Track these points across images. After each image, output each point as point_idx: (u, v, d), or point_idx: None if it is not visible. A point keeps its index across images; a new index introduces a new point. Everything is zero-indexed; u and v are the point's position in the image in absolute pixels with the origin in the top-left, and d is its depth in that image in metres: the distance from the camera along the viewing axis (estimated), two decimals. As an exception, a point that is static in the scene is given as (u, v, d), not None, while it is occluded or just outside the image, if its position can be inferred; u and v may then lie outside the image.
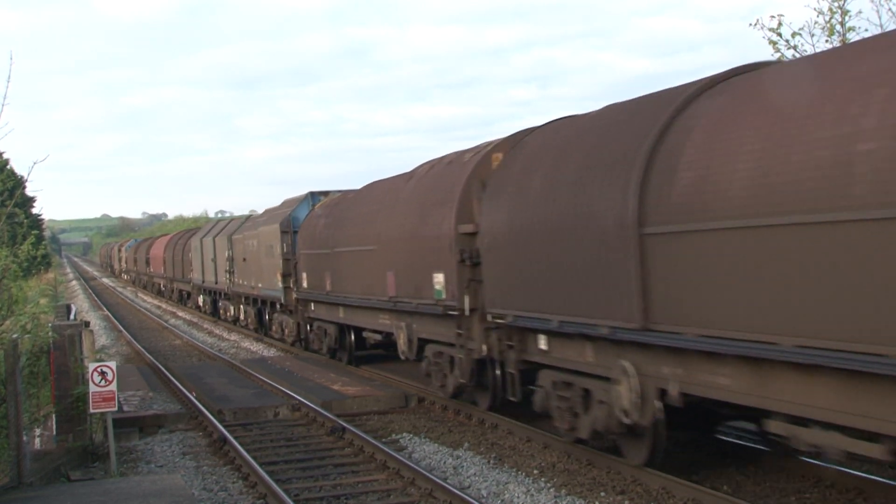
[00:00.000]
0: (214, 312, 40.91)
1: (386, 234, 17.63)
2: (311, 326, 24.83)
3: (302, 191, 27.25)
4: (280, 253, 25.88)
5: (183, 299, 51.43)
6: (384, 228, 17.83)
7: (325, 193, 25.75)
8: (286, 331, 27.25)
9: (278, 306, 27.62)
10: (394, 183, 19.09)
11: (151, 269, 64.53)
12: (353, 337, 22.11)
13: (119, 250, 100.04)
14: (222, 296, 37.90)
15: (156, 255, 61.03)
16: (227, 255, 34.52)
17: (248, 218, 34.87)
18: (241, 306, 33.93)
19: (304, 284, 23.89)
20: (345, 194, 23.52)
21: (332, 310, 22.14)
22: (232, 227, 35.41)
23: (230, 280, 34.36)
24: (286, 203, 28.39)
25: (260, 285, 29.01)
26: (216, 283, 37.83)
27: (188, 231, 55.30)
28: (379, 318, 18.77)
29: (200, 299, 44.09)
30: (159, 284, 61.30)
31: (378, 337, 19.76)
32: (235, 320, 35.58)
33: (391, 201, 18.03)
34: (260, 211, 40.34)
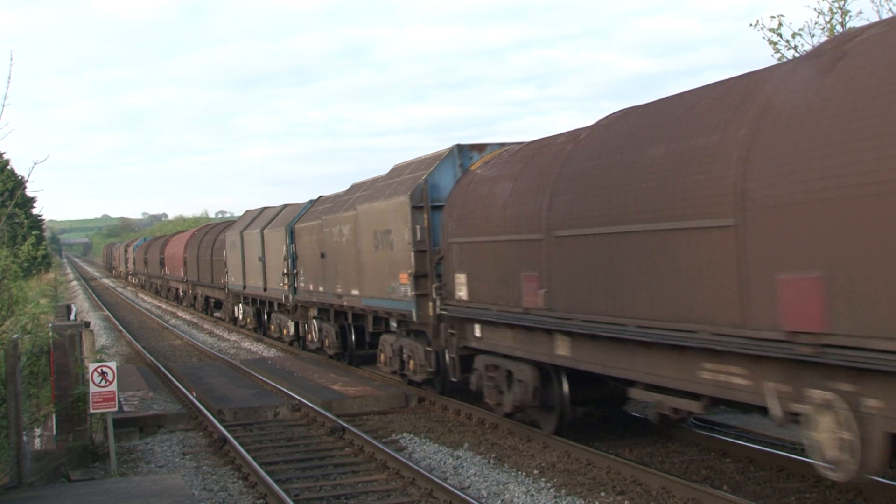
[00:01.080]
0: (260, 328, 32.28)
1: (796, 187, 7.97)
2: (464, 362, 15.56)
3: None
4: (410, 241, 16.55)
5: (209, 308, 43.10)
6: (776, 173, 8.20)
7: (481, 147, 16.69)
8: (411, 363, 17.75)
9: (394, 324, 18.52)
10: (792, 71, 8.89)
11: (167, 272, 54.99)
12: (566, 388, 13.32)
13: (126, 250, 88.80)
14: (276, 307, 29.20)
15: (173, 255, 52.19)
16: (285, 251, 26.28)
17: (315, 201, 25.96)
18: (314, 322, 24.68)
19: (462, 294, 14.82)
20: (538, 141, 14.29)
21: (534, 340, 12.89)
22: (289, 215, 27.38)
23: (291, 286, 25.92)
24: (406, 167, 18.51)
25: (355, 292, 19.99)
26: (264, 289, 29.20)
27: (218, 224, 45.96)
28: (700, 370, 9.60)
29: (239, 310, 34.90)
30: (177, 290, 52.64)
31: (685, 405, 10.25)
32: (295, 341, 27.11)
33: (801, 112, 8.22)
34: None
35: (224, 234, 37.11)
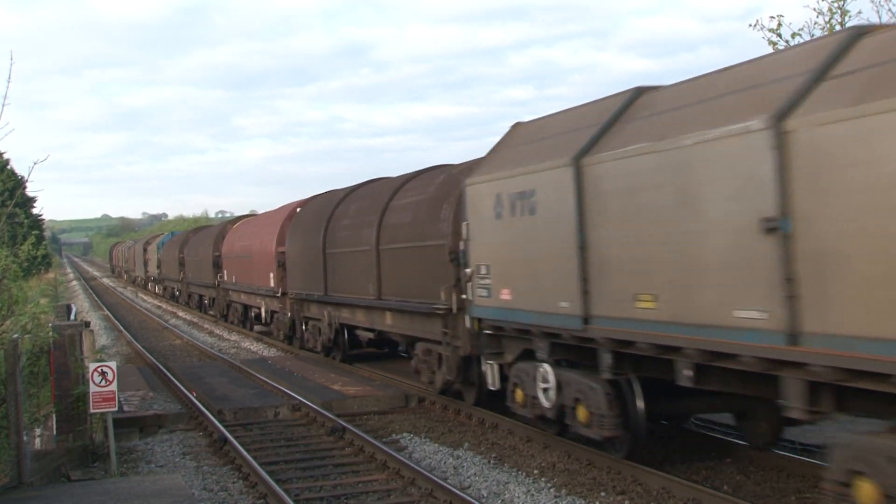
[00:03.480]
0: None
1: None
2: None
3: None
4: None
5: (343, 349, 22.49)
6: None
7: None
8: None
9: None
10: None
11: (229, 279, 35.25)
12: None
13: (144, 250, 67.28)
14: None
15: (245, 252, 31.83)
16: None
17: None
18: None
19: None
20: None
21: None
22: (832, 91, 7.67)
23: None
24: None
25: None
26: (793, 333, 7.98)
27: (373, 182, 22.68)
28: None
29: (537, 379, 12.39)
30: (247, 308, 33.51)
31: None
32: None
33: None
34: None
35: (426, 189, 17.68)
